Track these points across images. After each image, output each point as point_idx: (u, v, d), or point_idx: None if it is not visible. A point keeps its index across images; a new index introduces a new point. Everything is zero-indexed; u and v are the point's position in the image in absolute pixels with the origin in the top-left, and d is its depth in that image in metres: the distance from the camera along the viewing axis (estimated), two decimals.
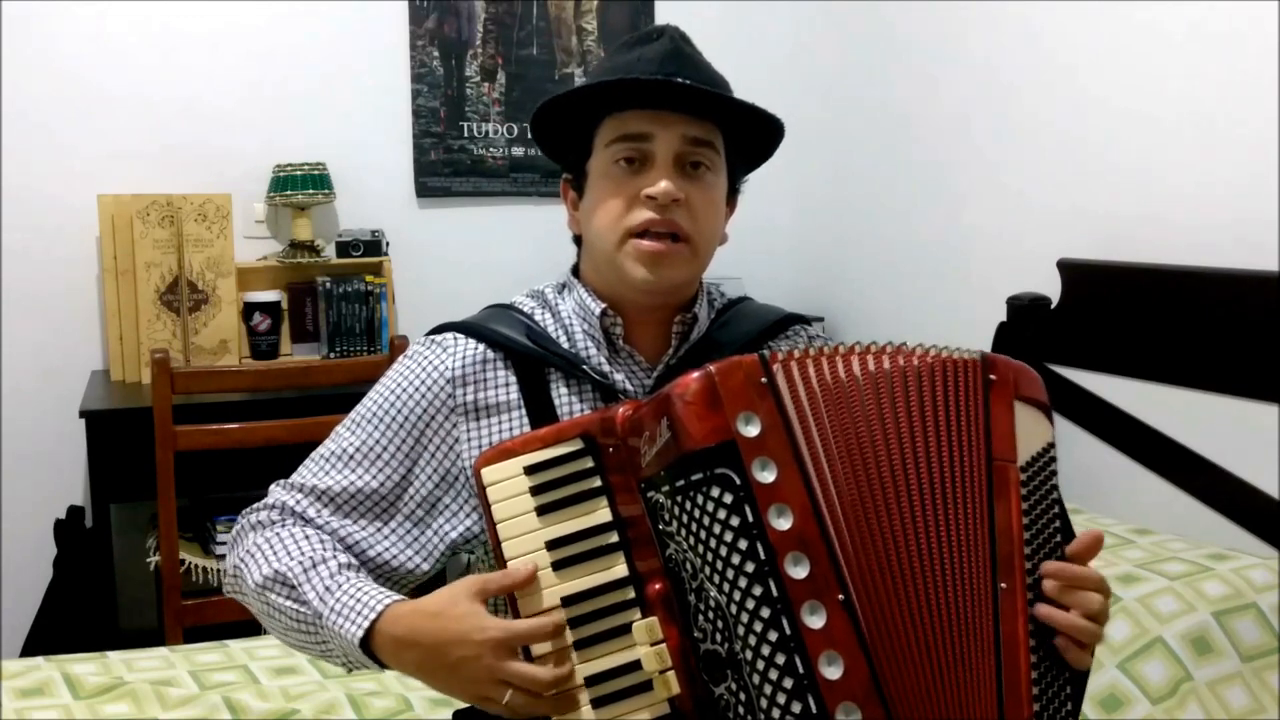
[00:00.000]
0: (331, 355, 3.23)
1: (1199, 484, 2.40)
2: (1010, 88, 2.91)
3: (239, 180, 3.21)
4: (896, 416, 1.12)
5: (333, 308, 3.22)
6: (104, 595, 2.84)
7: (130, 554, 3.06)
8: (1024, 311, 2.71)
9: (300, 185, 3.17)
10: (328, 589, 1.23)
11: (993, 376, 1.16)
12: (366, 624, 1.18)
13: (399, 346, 2.59)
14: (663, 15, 3.54)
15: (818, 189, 3.63)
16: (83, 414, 2.75)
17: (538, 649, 1.12)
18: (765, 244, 3.62)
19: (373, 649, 1.19)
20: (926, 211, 3.21)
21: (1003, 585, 1.12)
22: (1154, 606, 1.99)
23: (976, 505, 1.13)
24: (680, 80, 1.26)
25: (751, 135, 1.36)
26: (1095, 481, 2.55)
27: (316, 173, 3.19)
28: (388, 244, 3.32)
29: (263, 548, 1.29)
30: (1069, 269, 2.67)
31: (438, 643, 1.13)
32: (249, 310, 3.18)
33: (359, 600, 1.20)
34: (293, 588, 1.25)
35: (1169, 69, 2.49)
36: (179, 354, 3.05)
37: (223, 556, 2.74)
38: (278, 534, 1.30)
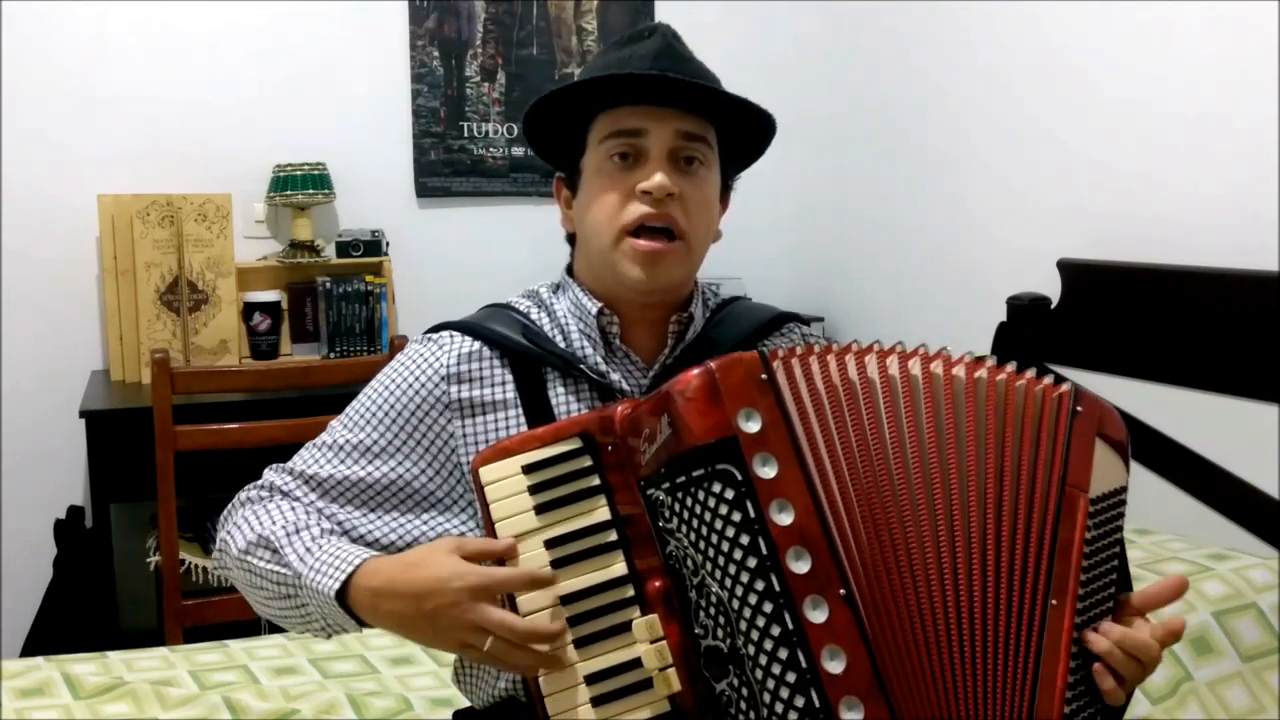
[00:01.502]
0: (331, 355, 3.23)
1: (1199, 484, 2.40)
2: (1010, 88, 2.91)
3: (239, 180, 3.21)
4: (921, 421, 1.12)
5: (333, 308, 3.22)
6: (104, 595, 2.84)
7: (130, 554, 3.06)
8: (1024, 311, 2.70)
9: (300, 185, 3.17)
10: (308, 550, 1.24)
11: (1079, 408, 1.17)
12: (344, 576, 1.18)
13: (399, 346, 2.59)
14: (663, 15, 3.54)
15: (818, 189, 3.63)
16: (83, 414, 2.74)
17: (525, 605, 1.12)
18: (765, 244, 3.62)
19: (350, 604, 1.18)
20: (926, 211, 3.21)
21: (1053, 602, 1.12)
22: None
23: (1037, 521, 1.13)
24: (674, 75, 1.26)
25: (744, 132, 1.36)
26: None
27: (316, 173, 3.19)
28: (388, 244, 3.32)
29: (249, 519, 1.31)
30: (1069, 269, 2.67)
31: (415, 592, 1.12)
32: (249, 310, 3.18)
33: (337, 557, 1.21)
34: (275, 551, 1.26)
35: (1169, 69, 2.49)
36: (179, 354, 3.05)
37: None
38: (265, 507, 1.32)
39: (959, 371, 1.15)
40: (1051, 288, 2.70)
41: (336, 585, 1.18)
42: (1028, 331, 2.70)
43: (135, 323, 3.04)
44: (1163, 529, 2.37)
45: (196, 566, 2.78)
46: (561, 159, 1.39)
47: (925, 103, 3.20)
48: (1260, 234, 2.29)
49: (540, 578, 1.12)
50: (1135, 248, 2.56)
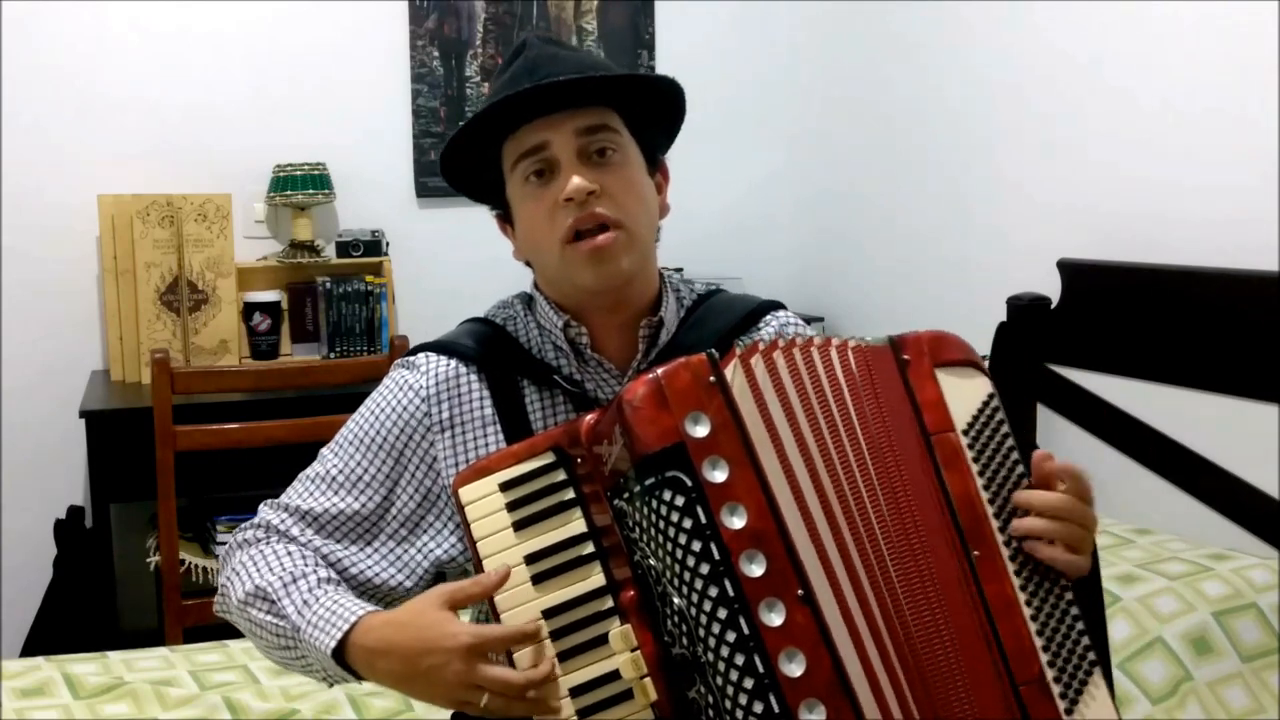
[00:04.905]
0: (331, 355, 3.23)
1: (1199, 484, 2.40)
2: (1010, 87, 2.91)
3: (239, 180, 3.21)
4: (837, 407, 1.14)
5: (333, 308, 3.22)
6: (104, 595, 2.84)
7: (130, 554, 3.06)
8: (1024, 311, 2.70)
9: (300, 185, 3.17)
10: (305, 603, 1.24)
11: (906, 356, 1.17)
12: (339, 635, 1.19)
13: (399, 346, 2.59)
14: (662, 17, 3.54)
15: (817, 188, 3.63)
16: (83, 414, 2.75)
17: (517, 653, 1.13)
18: (765, 244, 3.61)
19: (347, 660, 1.20)
20: (926, 211, 3.21)
21: (976, 553, 1.12)
22: (1154, 606, 2.00)
23: (925, 484, 1.13)
24: (543, 82, 1.25)
25: (647, 102, 1.34)
26: (1096, 481, 2.54)
27: (316, 173, 3.19)
28: (388, 244, 3.32)
29: (246, 565, 1.31)
30: (1069, 269, 2.67)
31: (408, 652, 1.14)
32: (249, 310, 3.18)
33: (333, 613, 1.21)
34: (272, 602, 1.26)
35: (1170, 69, 2.49)
36: (179, 354, 3.05)
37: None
38: (261, 551, 1.32)
39: (833, 354, 1.15)
40: (1051, 288, 2.70)
41: (333, 644, 1.19)
42: (1028, 331, 2.70)
43: (135, 323, 3.04)
44: (1163, 529, 2.37)
45: (196, 566, 2.78)
46: (491, 197, 1.40)
47: (925, 103, 3.19)
48: (1260, 234, 2.29)
49: (529, 632, 1.12)
50: (1135, 248, 2.56)
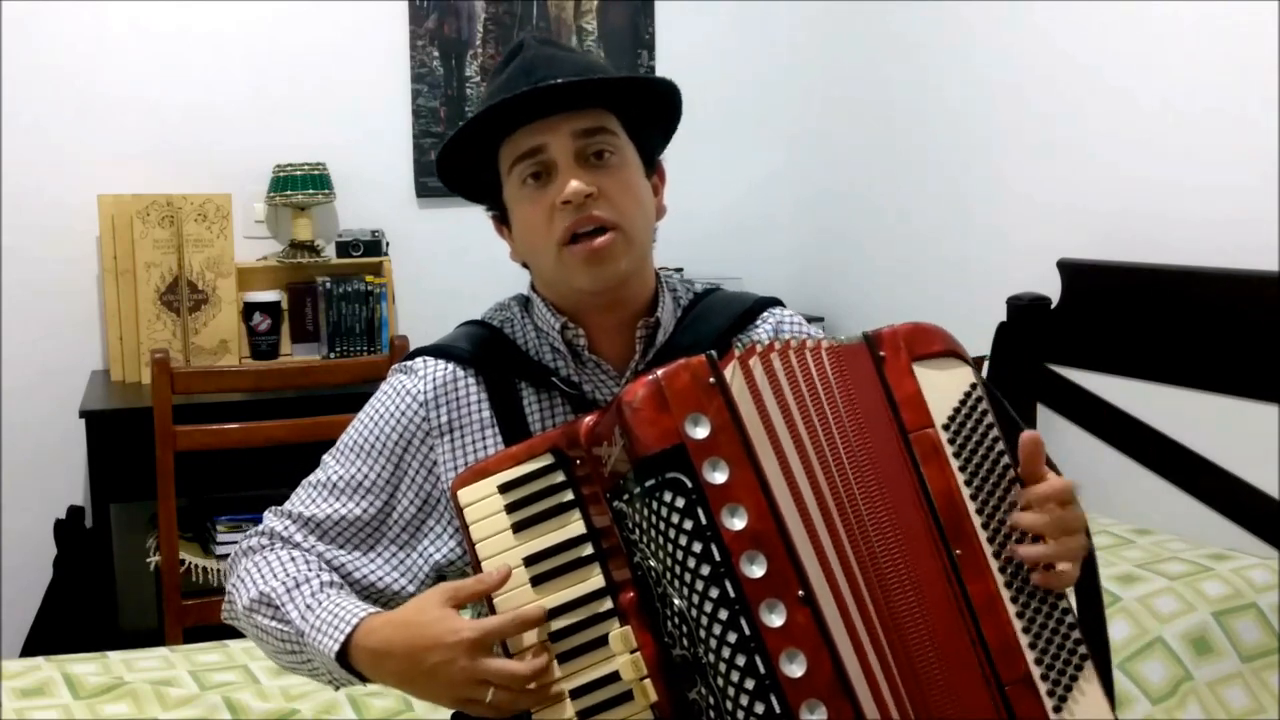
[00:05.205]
0: (331, 355, 3.23)
1: (1199, 484, 2.40)
2: (1011, 88, 2.91)
3: (239, 180, 3.21)
4: (826, 408, 1.14)
5: (333, 308, 3.22)
6: (104, 595, 2.84)
7: (130, 554, 3.06)
8: (1024, 311, 2.71)
9: (300, 185, 3.17)
10: (308, 607, 1.25)
11: (882, 353, 1.16)
12: (342, 638, 1.19)
13: (399, 347, 2.59)
14: (663, 17, 3.55)
15: (817, 188, 3.63)
16: (83, 414, 2.75)
17: (516, 645, 1.13)
18: (765, 244, 3.61)
19: (351, 663, 1.20)
20: (927, 211, 3.22)
21: (958, 551, 1.11)
22: (1154, 606, 2.00)
23: (906, 483, 1.13)
24: (542, 84, 1.24)
25: (644, 104, 1.34)
26: (1095, 481, 2.55)
27: (316, 173, 3.19)
28: (388, 244, 3.32)
29: (251, 572, 1.32)
30: (1069, 269, 2.67)
31: (412, 650, 1.14)
32: (249, 310, 3.18)
33: (336, 615, 1.22)
34: (276, 608, 1.27)
35: (1170, 68, 2.50)
36: (179, 354, 3.05)
37: (223, 556, 2.74)
38: (265, 558, 1.32)
39: (807, 354, 1.15)
40: (1051, 288, 2.71)
41: (336, 646, 1.19)
42: (1028, 331, 2.70)
43: (135, 323, 3.04)
44: (1163, 529, 2.37)
45: (196, 566, 2.78)
46: (487, 198, 1.40)
47: (925, 103, 3.20)
48: (1260, 234, 2.30)
49: (529, 617, 1.12)
50: (1135, 248, 2.56)
